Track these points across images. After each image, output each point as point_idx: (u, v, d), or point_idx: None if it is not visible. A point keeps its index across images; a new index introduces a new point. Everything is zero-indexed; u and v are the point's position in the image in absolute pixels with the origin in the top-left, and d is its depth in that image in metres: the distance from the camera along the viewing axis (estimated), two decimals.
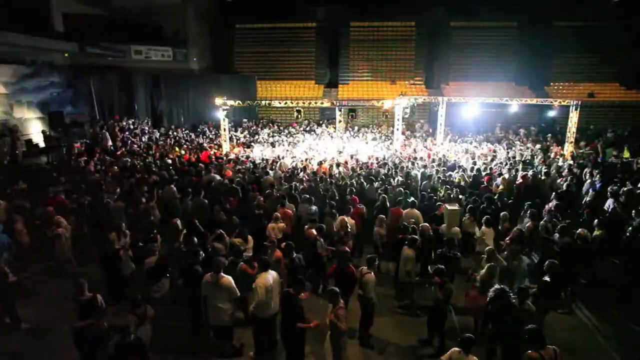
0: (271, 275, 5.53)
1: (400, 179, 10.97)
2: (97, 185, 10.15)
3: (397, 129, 17.01)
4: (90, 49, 19.79)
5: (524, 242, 7.14)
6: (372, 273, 5.95)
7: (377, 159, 14.29)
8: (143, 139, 18.26)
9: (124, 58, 22.14)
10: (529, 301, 5.30)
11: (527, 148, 16.49)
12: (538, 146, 16.95)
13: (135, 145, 16.67)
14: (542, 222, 7.98)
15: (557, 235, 7.29)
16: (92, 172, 11.71)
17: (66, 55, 19.20)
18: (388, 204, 8.99)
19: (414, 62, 25.44)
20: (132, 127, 19.48)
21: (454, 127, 21.55)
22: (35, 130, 17.35)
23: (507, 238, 7.28)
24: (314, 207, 8.61)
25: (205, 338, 5.99)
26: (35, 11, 18.80)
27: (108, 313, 5.55)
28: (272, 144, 17.36)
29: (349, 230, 7.79)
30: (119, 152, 15.44)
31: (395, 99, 16.42)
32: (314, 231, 7.34)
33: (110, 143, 17.08)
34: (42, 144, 16.69)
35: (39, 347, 6.03)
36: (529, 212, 8.26)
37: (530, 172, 11.56)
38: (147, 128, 20.00)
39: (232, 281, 5.50)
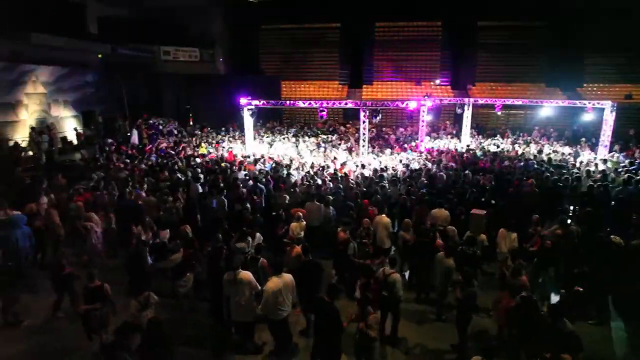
0: (282, 280, 5.49)
1: (424, 180, 10.82)
2: (125, 182, 10.52)
3: (422, 130, 16.82)
4: (121, 50, 20.49)
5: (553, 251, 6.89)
6: (397, 272, 5.91)
7: (400, 160, 14.17)
8: (170, 138, 18.77)
9: (153, 58, 22.80)
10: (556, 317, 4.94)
11: (557, 152, 15.92)
12: (569, 149, 16.34)
13: (163, 144, 17.13)
14: (571, 228, 7.69)
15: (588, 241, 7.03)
16: (121, 169, 12.13)
17: (99, 56, 19.94)
18: (409, 204, 8.89)
19: (440, 63, 25.04)
20: (159, 125, 20.06)
21: (480, 129, 21.08)
22: (70, 127, 18.14)
23: (534, 246, 7.06)
24: (331, 209, 8.60)
25: (227, 334, 6.10)
26: (73, 15, 19.65)
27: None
28: (297, 144, 17.49)
29: (370, 230, 7.76)
30: (147, 149, 15.92)
31: (420, 100, 16.21)
32: (345, 234, 7.27)
33: (137, 141, 17.67)
34: (75, 141, 17.45)
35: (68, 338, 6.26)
36: (558, 217, 7.98)
37: (559, 176, 11.16)
38: (174, 127, 20.54)
39: (251, 275, 5.59)
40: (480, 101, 18.85)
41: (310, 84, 25.53)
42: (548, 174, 11.33)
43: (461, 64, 24.98)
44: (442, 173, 11.75)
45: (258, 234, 7.37)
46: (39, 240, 8.11)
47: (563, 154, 15.63)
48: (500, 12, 22.76)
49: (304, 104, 16.07)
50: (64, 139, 17.13)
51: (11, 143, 14.75)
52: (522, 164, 13.43)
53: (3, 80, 14.94)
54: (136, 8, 23.68)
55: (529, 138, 19.35)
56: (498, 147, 17.27)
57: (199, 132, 20.54)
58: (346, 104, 17.43)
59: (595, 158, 14.49)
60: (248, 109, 15.51)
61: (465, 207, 8.50)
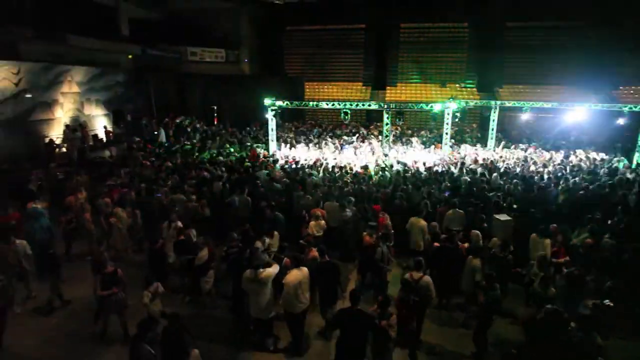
0: (302, 272, 5.67)
1: (448, 184, 10.64)
2: (153, 179, 10.81)
3: (446, 133, 16.52)
4: (151, 51, 21.09)
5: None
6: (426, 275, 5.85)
7: (424, 163, 13.99)
8: (196, 137, 19.17)
9: (180, 59, 23.34)
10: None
11: (589, 157, 15.31)
12: (603, 156, 15.68)
13: (188, 143, 17.52)
14: (604, 239, 7.36)
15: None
16: (148, 167, 12.47)
17: (129, 57, 20.60)
18: (429, 209, 8.77)
19: (466, 65, 24.55)
20: (185, 125, 20.53)
21: (507, 132, 20.52)
22: (100, 126, 18.81)
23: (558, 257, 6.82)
24: (348, 211, 8.60)
25: (247, 331, 6.18)
26: (106, 18, 20.39)
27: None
28: (319, 145, 17.53)
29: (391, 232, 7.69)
30: (174, 148, 16.31)
31: (445, 103, 15.95)
32: (370, 237, 7.23)
33: (165, 139, 18.14)
34: (105, 139, 18.07)
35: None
36: (588, 226, 7.66)
37: (591, 184, 10.72)
38: (199, 126, 20.97)
39: (272, 274, 5.66)
40: (508, 104, 18.34)
41: (333, 85, 25.54)
42: (576, 180, 10.93)
43: (488, 66, 24.35)
44: (466, 177, 11.55)
45: (276, 233, 7.42)
46: (69, 234, 8.45)
47: (594, 159, 15.02)
48: (531, 12, 22.09)
49: (327, 105, 16.09)
50: (95, 136, 17.78)
51: (47, 140, 15.44)
52: (549, 168, 13.00)
53: (42, 80, 15.65)
54: (165, 10, 24.32)
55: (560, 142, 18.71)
56: (525, 150, 16.80)
57: (224, 132, 20.88)
58: (369, 105, 17.33)
59: (629, 165, 13.86)
60: (271, 109, 15.67)
61: (488, 211, 8.31)
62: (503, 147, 17.49)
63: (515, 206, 9.07)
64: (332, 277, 6.19)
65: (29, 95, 15.05)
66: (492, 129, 18.13)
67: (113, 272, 6.02)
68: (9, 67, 14.27)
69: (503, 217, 7.91)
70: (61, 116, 16.74)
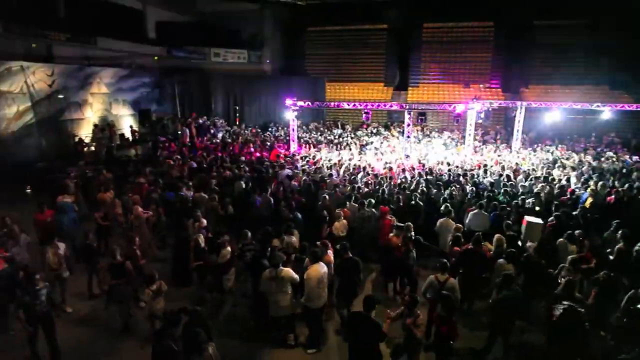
0: (322, 267, 5.72)
1: (471, 187, 10.42)
2: (177, 178, 11.05)
3: (469, 135, 16.21)
4: (175, 53, 21.59)
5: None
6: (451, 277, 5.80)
7: (448, 163, 13.78)
8: (218, 136, 19.47)
9: (204, 60, 23.78)
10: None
11: (619, 160, 14.70)
12: (636, 158, 15.03)
13: (210, 142, 17.81)
14: (637, 246, 7.03)
15: None
16: (172, 166, 12.74)
17: (155, 58, 21.15)
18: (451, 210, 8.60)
19: (490, 64, 24.02)
20: (208, 124, 20.88)
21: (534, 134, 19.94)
22: (127, 125, 19.37)
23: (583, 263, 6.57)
24: (367, 210, 8.53)
25: (267, 328, 6.23)
26: (134, 20, 21.03)
27: (174, 296, 6.48)
28: (340, 146, 17.51)
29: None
30: (198, 145, 16.63)
31: (469, 103, 15.66)
32: (397, 238, 7.15)
33: (188, 139, 18.49)
34: (131, 138, 18.59)
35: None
36: (619, 232, 7.34)
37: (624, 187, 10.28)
38: (221, 125, 21.29)
39: (292, 271, 5.71)
40: (534, 105, 17.84)
41: (354, 86, 25.48)
42: (606, 183, 10.52)
43: (514, 66, 23.77)
44: (488, 179, 11.31)
45: (296, 232, 7.44)
46: (103, 230, 8.74)
47: (626, 161, 14.42)
48: (559, 11, 21.39)
49: (348, 105, 16.06)
50: (122, 135, 18.31)
51: (76, 139, 16.03)
52: (578, 172, 12.55)
53: (73, 81, 16.27)
54: (190, 12, 24.86)
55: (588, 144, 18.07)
56: (552, 153, 16.28)
57: (246, 132, 21.13)
58: (391, 106, 17.19)
59: None
60: (293, 110, 15.77)
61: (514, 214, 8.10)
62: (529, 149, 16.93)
63: (537, 208, 8.81)
64: (353, 274, 6.22)
65: (61, 96, 15.67)
66: (518, 130, 17.68)
67: (121, 263, 6.29)
68: (44, 69, 14.89)
69: (535, 219, 7.68)
70: (90, 116, 17.35)
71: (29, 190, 11.11)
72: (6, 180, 11.55)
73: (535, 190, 10.10)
